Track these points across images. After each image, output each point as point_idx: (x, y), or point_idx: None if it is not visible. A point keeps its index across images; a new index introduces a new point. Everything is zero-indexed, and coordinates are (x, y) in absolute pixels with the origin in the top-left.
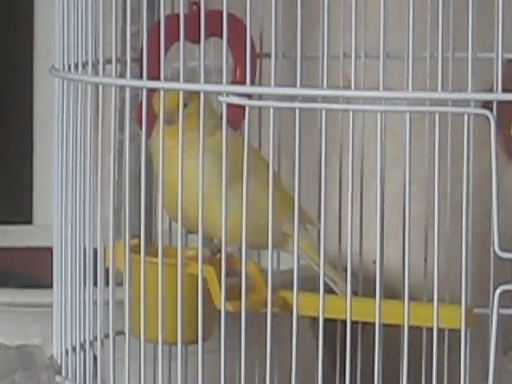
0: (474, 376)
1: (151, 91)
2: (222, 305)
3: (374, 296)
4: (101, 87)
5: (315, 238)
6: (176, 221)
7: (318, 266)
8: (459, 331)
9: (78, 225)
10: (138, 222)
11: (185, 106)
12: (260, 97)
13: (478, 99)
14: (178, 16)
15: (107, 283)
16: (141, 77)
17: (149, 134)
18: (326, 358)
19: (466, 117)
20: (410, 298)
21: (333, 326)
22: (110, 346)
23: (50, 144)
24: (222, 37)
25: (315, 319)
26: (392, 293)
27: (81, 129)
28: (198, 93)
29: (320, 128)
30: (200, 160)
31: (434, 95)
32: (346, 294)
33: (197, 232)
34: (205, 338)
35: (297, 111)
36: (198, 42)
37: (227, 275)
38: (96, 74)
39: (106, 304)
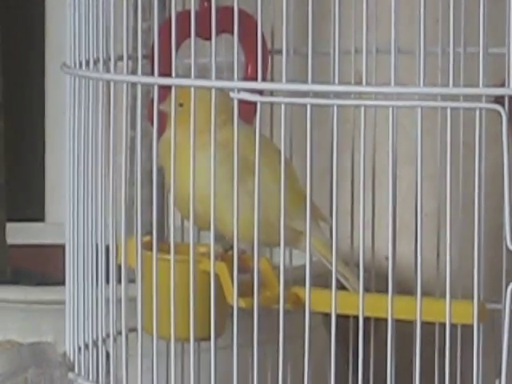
0: (488, 372)
1: (164, 88)
2: (235, 301)
3: (386, 292)
4: (112, 84)
5: (328, 234)
6: (186, 218)
7: (331, 263)
8: (472, 326)
9: (90, 222)
10: (150, 219)
11: (180, 105)
12: (271, 93)
13: (489, 94)
14: (189, 12)
15: (119, 280)
16: (152, 73)
17: (161, 131)
18: (339, 353)
19: (477, 112)
20: (423, 294)
21: (345, 322)
22: (123, 342)
23: (62, 141)
24: (233, 33)
25: (328, 315)
26: (404, 289)
27: (92, 126)
28: (209, 89)
29: (332, 124)
30: (211, 156)
31: (445, 90)
32: (357, 291)
33: (208, 229)
34: (217, 335)
35: (308, 107)
36: (210, 38)
37: (239, 272)
38: (107, 70)
39: (119, 301)
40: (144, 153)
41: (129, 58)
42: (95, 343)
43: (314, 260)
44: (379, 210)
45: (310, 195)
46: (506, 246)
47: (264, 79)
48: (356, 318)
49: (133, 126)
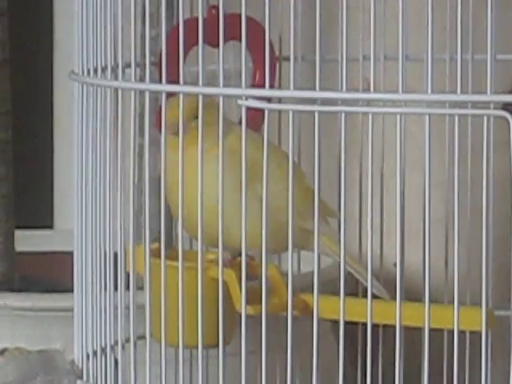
0: (496, 379)
1: (170, 95)
2: (243, 308)
3: (394, 299)
4: (120, 91)
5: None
6: (195, 237)
7: (344, 262)
8: (480, 333)
9: (98, 229)
10: (159, 226)
11: (195, 117)
12: (279, 100)
13: (497, 101)
14: (196, 19)
15: (128, 287)
16: (160, 81)
17: None
18: (347, 360)
19: (485, 119)
20: (431, 301)
21: (354, 328)
22: (131, 350)
23: (71, 148)
24: (241, 40)
25: (336, 322)
26: (413, 295)
27: (100, 133)
28: (217, 96)
29: (340, 131)
30: (220, 165)
31: (453, 97)
32: (374, 289)
33: (215, 245)
34: (226, 342)
35: (316, 114)
36: (217, 45)
37: (248, 279)
38: (115, 78)
39: (127, 308)
40: (152, 160)
41: (137, 65)
42: (104, 350)
43: (322, 267)
44: (387, 216)
45: (317, 205)
46: None
47: (272, 86)
48: (364, 324)
49: (141, 134)
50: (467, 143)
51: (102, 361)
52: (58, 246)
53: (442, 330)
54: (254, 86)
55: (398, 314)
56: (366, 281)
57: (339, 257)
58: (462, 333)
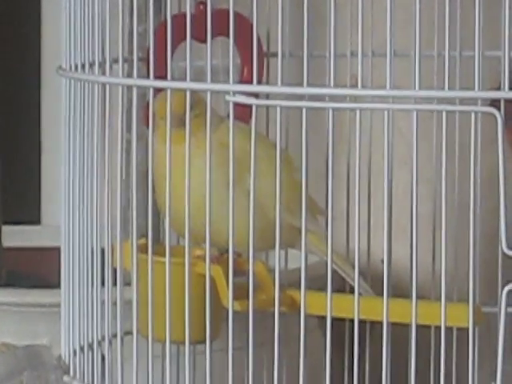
0: (484, 376)
1: (158, 91)
2: (230, 304)
3: (382, 295)
4: (108, 87)
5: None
6: (182, 235)
7: (331, 260)
8: (467, 330)
9: (85, 225)
10: (146, 222)
11: (191, 108)
12: (267, 96)
13: (484, 97)
14: (184, 15)
15: (115, 283)
16: (148, 76)
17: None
18: (334, 356)
19: (473, 115)
20: (418, 297)
21: (341, 324)
22: (118, 345)
23: (58, 144)
24: (229, 36)
25: (323, 318)
26: (400, 292)
27: (88, 129)
28: (204, 92)
29: (327, 127)
30: (207, 161)
31: (441, 94)
32: (359, 288)
33: (203, 241)
34: (213, 338)
35: (304, 110)
36: (205, 41)
37: (235, 275)
38: (103, 73)
39: (114, 304)
40: (139, 155)
41: (124, 60)
42: (90, 346)
43: (310, 263)
44: (375, 213)
45: (305, 201)
46: (502, 249)
47: (260, 82)
48: (351, 320)
49: (128, 129)
50: (455, 140)
51: (88, 356)
52: (46, 241)
53: (429, 327)
54: (241, 81)
55: (385, 310)
56: (353, 280)
57: (326, 256)
58: (449, 329)
